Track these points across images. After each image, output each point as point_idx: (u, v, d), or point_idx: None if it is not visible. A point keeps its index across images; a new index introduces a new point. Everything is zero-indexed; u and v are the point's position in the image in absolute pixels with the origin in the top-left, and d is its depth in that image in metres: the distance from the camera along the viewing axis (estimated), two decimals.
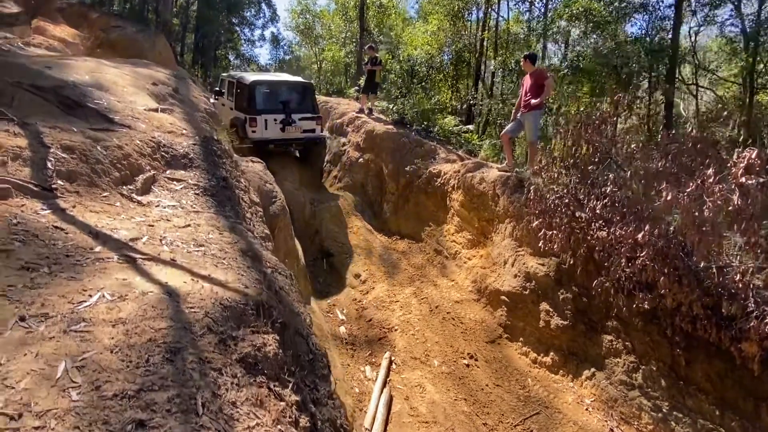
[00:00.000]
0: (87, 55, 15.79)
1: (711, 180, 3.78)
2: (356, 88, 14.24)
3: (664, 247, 4.37)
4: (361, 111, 12.02)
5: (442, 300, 6.75)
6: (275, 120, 9.32)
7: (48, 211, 2.49)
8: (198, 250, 2.65)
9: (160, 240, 2.61)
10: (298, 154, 11.22)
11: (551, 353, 5.64)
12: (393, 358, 5.69)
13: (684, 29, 12.43)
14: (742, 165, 3.51)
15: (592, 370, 5.26)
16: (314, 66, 22.48)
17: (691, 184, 3.90)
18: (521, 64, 7.43)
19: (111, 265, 2.08)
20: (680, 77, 13.20)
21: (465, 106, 13.03)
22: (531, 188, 5.90)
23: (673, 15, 9.80)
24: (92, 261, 2.08)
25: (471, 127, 11.36)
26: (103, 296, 1.76)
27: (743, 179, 3.49)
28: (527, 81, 7.04)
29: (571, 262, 5.58)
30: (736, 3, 11.27)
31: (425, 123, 10.57)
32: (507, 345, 6.02)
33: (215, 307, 1.90)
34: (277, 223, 6.46)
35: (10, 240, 2.03)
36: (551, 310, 5.72)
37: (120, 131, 3.86)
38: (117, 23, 18.03)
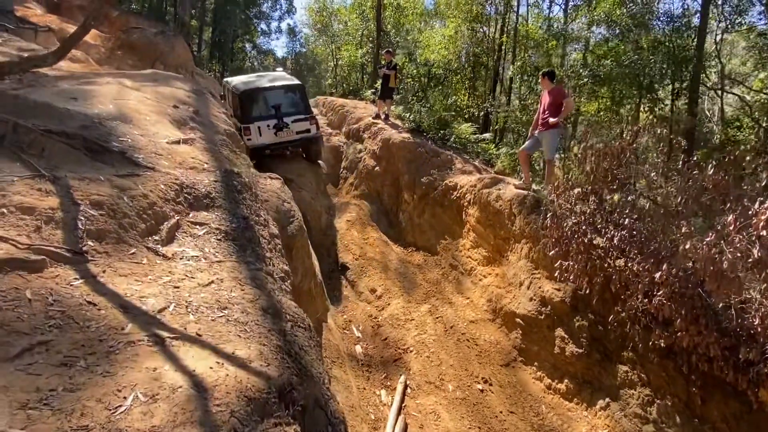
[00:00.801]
0: (108, 57, 16.05)
1: (731, 228, 3.75)
2: (372, 90, 14.24)
3: (681, 288, 4.34)
4: (377, 116, 12.05)
5: (457, 319, 6.81)
6: (268, 126, 9.47)
7: (80, 281, 2.60)
8: (221, 316, 2.75)
9: (186, 307, 2.71)
10: (304, 155, 11.15)
11: (566, 380, 5.68)
12: (408, 382, 5.79)
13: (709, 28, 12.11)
14: (763, 217, 3.47)
15: (607, 400, 5.29)
16: (330, 63, 22.44)
17: (710, 233, 3.87)
18: (539, 81, 7.34)
19: (141, 350, 2.19)
20: (705, 76, 12.88)
21: (482, 113, 12.94)
22: (548, 215, 5.88)
23: (698, 22, 9.57)
24: (124, 345, 2.19)
25: (488, 135, 11.30)
26: (137, 397, 1.86)
27: (764, 232, 3.45)
28: (545, 98, 6.98)
29: (588, 291, 5.57)
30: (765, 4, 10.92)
31: (442, 131, 10.54)
32: (521, 369, 6.07)
33: (240, 402, 1.99)
34: (294, 244, 6.55)
35: (48, 328, 2.14)
36: (566, 336, 5.74)
37: (144, 174, 3.97)
38: (137, 24, 18.27)
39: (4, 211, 2.86)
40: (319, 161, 11.18)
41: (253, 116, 9.44)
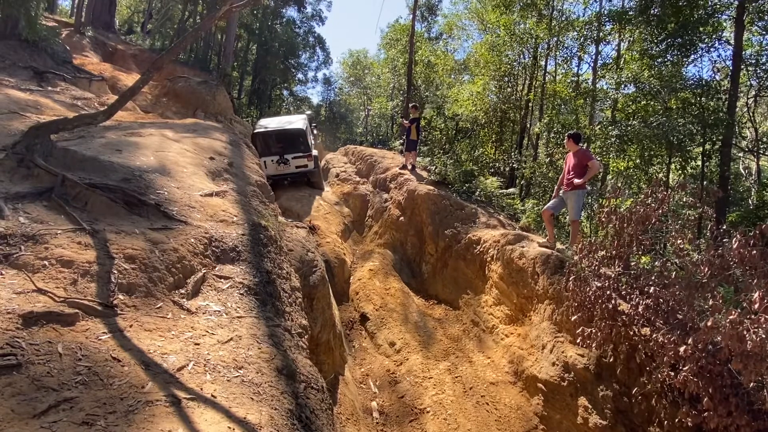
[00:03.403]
0: (153, 103, 17.05)
1: (757, 306, 3.63)
2: (401, 141, 14.64)
3: (708, 364, 4.18)
4: (404, 167, 12.32)
5: (476, 380, 6.65)
6: (272, 160, 12.05)
7: (108, 336, 2.74)
8: (237, 376, 2.82)
9: (204, 365, 2.80)
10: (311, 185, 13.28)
11: None
12: None
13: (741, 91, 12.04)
14: None
15: None
16: (362, 113, 23.23)
17: (733, 311, 3.75)
18: (565, 142, 7.43)
19: (158, 410, 2.27)
20: (740, 136, 12.69)
21: (509, 168, 13.09)
22: (571, 279, 5.80)
23: (729, 86, 9.57)
24: (143, 405, 2.28)
25: (513, 190, 11.36)
26: None
27: None
28: (570, 159, 7.03)
29: (612, 359, 5.40)
30: None
31: (467, 184, 10.65)
32: None
33: None
34: (315, 294, 6.64)
35: (75, 384, 2.26)
36: (590, 406, 5.52)
37: (177, 228, 4.19)
38: (182, 73, 19.54)
39: (46, 263, 3.07)
40: (323, 188, 13.59)
41: (261, 152, 11.48)
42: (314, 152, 12.89)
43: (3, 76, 9.96)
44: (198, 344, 3.01)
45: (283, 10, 31.20)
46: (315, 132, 16.07)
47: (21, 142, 4.41)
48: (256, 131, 12.31)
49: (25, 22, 11.87)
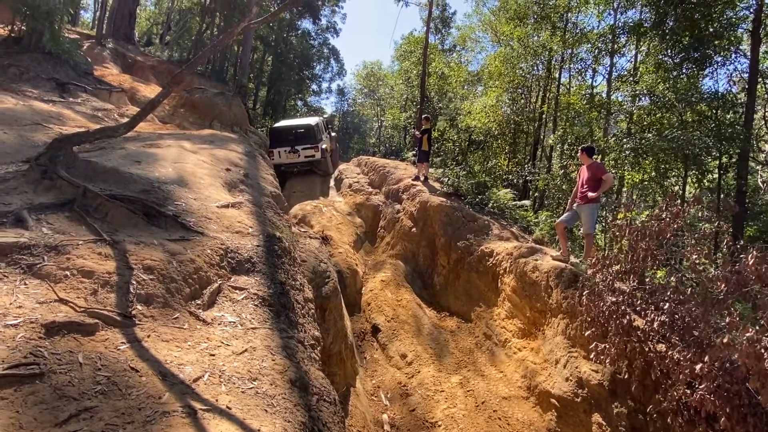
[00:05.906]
0: (171, 114, 17.37)
1: None
2: (413, 152, 14.71)
3: (726, 382, 4.11)
4: (416, 178, 12.35)
5: (489, 394, 6.60)
6: (285, 150, 14.44)
7: (127, 346, 2.80)
8: (251, 387, 2.86)
9: (219, 377, 2.84)
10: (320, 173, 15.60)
11: None
12: None
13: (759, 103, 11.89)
14: None
15: None
16: (375, 123, 23.40)
17: (750, 329, 3.70)
18: (578, 156, 7.41)
19: (175, 421, 2.31)
20: (758, 149, 12.51)
21: (521, 180, 13.07)
22: (584, 293, 5.76)
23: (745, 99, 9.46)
24: (160, 416, 2.32)
25: (527, 202, 11.32)
26: None
27: None
28: (584, 172, 7.00)
29: (627, 375, 5.33)
30: None
31: (480, 196, 10.64)
32: None
33: None
34: (328, 305, 6.66)
35: (95, 393, 2.32)
36: (604, 423, 5.44)
37: (194, 239, 4.27)
38: (199, 84, 19.88)
39: (68, 273, 3.16)
40: (330, 173, 15.87)
41: (275, 144, 14.57)
42: (323, 145, 14.95)
43: (27, 87, 10.26)
44: (213, 355, 3.06)
45: (299, 23, 31.71)
46: (334, 134, 18.27)
47: (45, 154, 4.54)
48: (274, 126, 15.11)
49: (48, 34, 12.23)
